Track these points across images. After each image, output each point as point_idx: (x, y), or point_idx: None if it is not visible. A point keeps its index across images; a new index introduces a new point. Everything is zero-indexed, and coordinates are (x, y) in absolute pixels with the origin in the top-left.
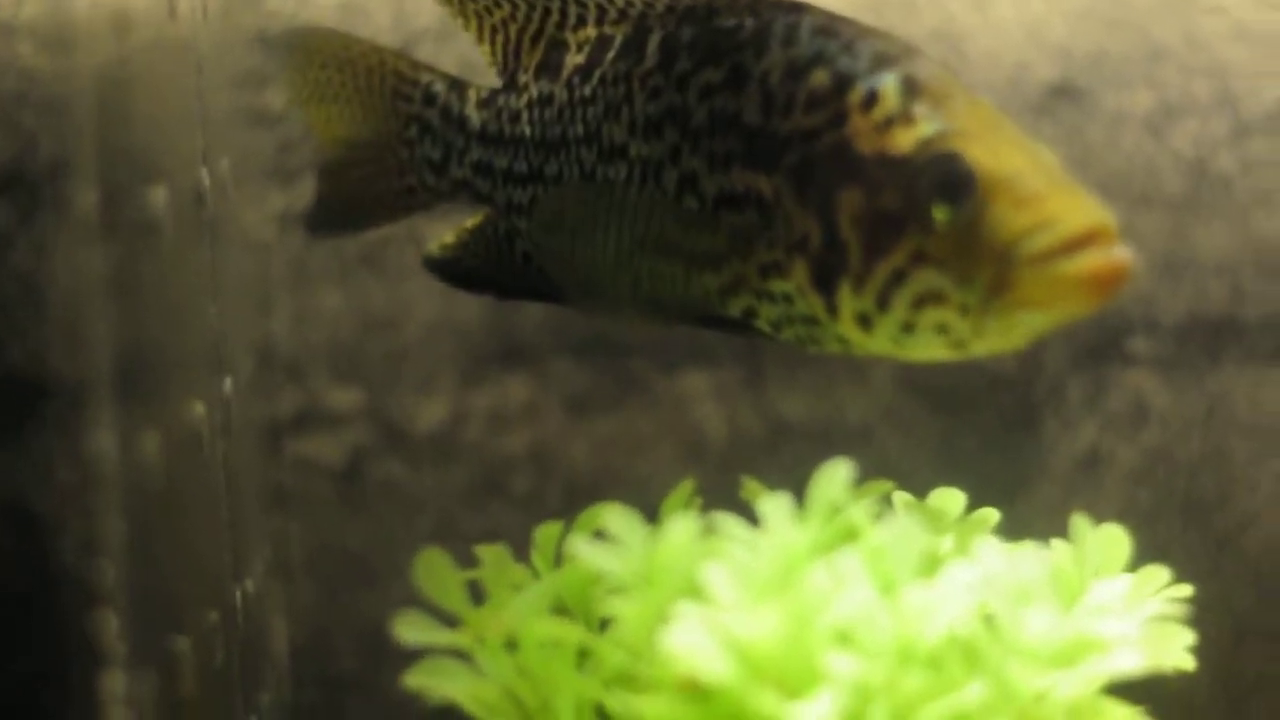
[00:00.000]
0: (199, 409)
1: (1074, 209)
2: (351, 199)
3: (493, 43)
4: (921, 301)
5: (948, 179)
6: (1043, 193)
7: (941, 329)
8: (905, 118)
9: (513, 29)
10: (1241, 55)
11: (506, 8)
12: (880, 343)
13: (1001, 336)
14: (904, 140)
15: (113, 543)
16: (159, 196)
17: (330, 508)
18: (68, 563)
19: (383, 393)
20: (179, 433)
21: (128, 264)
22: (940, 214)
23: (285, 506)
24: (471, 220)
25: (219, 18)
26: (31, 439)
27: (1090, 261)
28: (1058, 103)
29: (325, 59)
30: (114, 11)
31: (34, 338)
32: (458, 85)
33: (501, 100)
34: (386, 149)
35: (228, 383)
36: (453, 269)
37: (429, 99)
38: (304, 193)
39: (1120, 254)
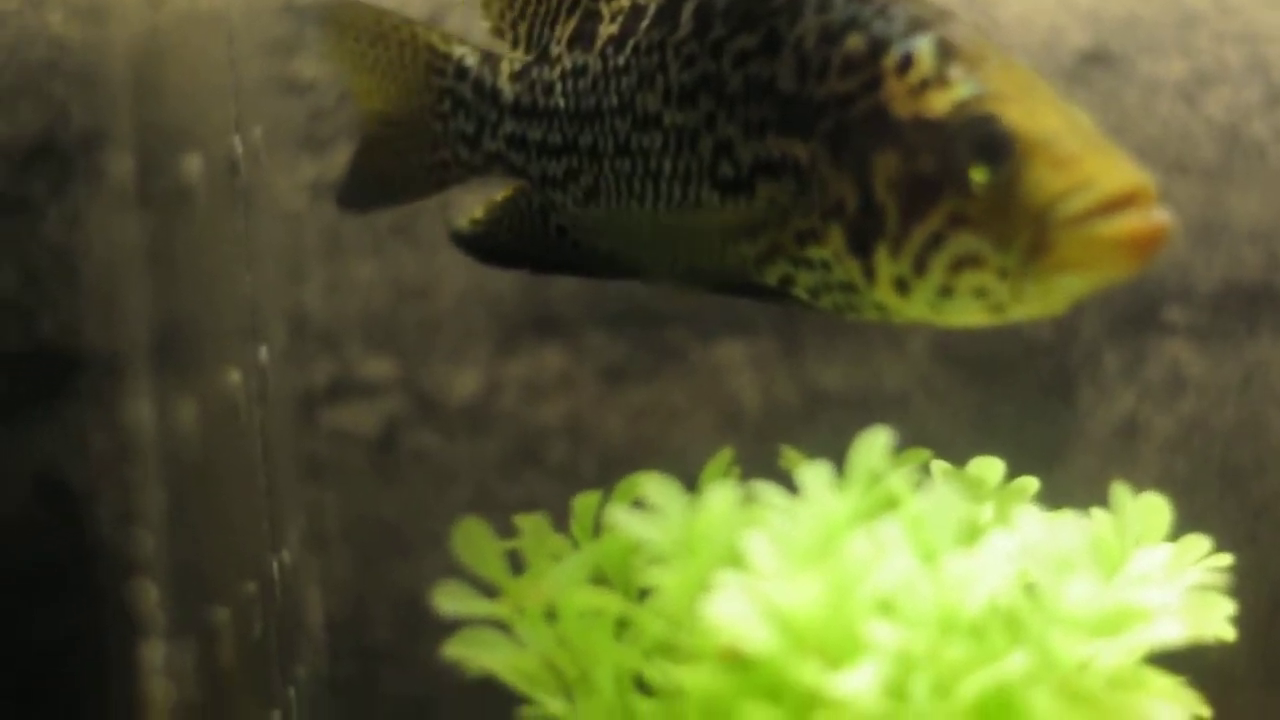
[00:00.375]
0: (235, 377)
1: (1112, 170)
2: (384, 174)
3: (523, 14)
4: (959, 265)
5: (984, 141)
6: (1080, 154)
7: (980, 293)
8: (940, 80)
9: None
10: (1275, 20)
11: None
12: (918, 308)
13: (1040, 300)
14: (940, 103)
15: (150, 513)
16: (192, 165)
17: (365, 478)
18: (104, 533)
19: (417, 363)
20: (215, 402)
21: (161, 233)
22: (977, 176)
23: (320, 477)
24: (501, 194)
25: None
26: (66, 410)
27: (1129, 223)
28: (1091, 69)
29: (357, 33)
30: None
31: (67, 308)
32: (490, 58)
33: (535, 72)
34: (419, 123)
35: (263, 351)
36: (484, 244)
37: (461, 72)
38: (336, 161)
39: (1159, 215)
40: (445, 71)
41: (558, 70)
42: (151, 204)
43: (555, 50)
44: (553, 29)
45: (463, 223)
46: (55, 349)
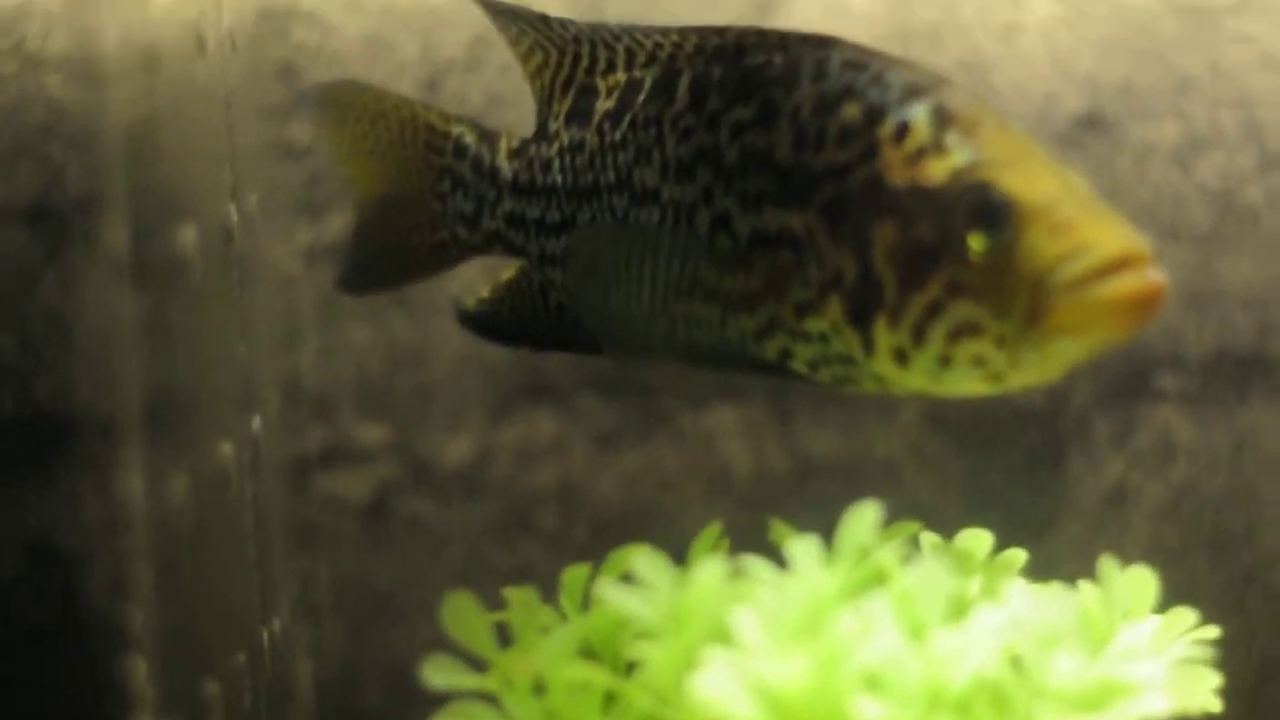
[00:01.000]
0: (227, 448)
1: (1108, 235)
2: (385, 255)
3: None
4: (958, 333)
5: (982, 208)
6: (1077, 219)
7: (978, 361)
8: (937, 148)
9: (545, 77)
10: (1269, 85)
11: (539, 55)
12: (917, 378)
13: (1038, 367)
14: (937, 171)
15: (140, 584)
16: (187, 233)
17: (357, 545)
18: (96, 604)
19: (410, 429)
20: (207, 472)
21: (156, 301)
22: (975, 244)
23: (312, 544)
24: (506, 273)
25: (246, 51)
26: (59, 477)
27: (1126, 285)
28: (1085, 134)
29: (356, 113)
30: (142, 46)
31: (61, 375)
32: (489, 136)
33: (533, 149)
34: (419, 203)
35: (256, 420)
36: (488, 323)
37: (460, 151)
38: (332, 226)
39: (1155, 277)
40: (444, 150)
41: (555, 147)
42: (146, 270)
43: (553, 127)
44: (550, 106)
45: (469, 302)
46: (50, 414)
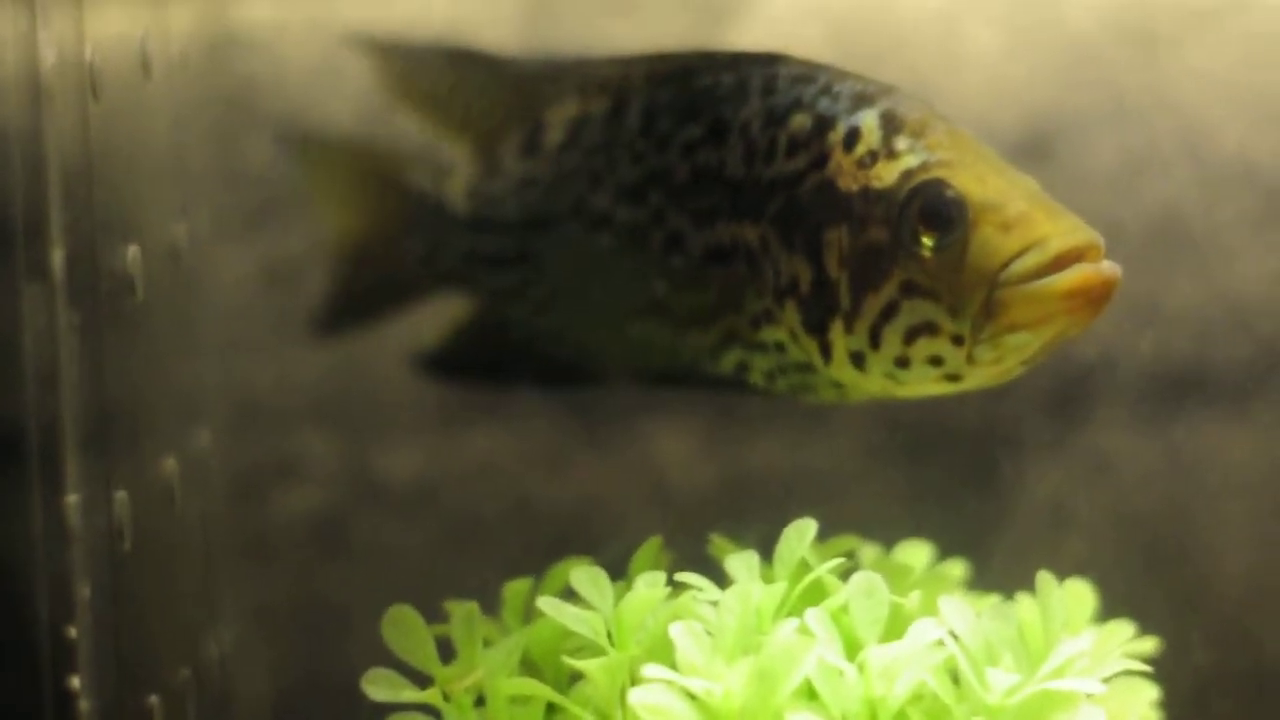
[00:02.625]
0: (171, 464)
1: (1059, 229)
2: (353, 299)
3: (476, 131)
4: (914, 334)
5: (933, 207)
6: (1028, 215)
7: (936, 360)
8: (887, 151)
9: (495, 115)
10: (1207, 110)
11: (488, 95)
12: (875, 381)
13: (996, 364)
14: (887, 173)
15: (82, 600)
16: (132, 253)
17: (307, 559)
18: (37, 619)
19: (360, 443)
20: (151, 488)
21: (99, 320)
22: (928, 242)
23: (261, 559)
24: (460, 313)
25: (196, 75)
26: (2, 496)
27: (1079, 277)
28: (1025, 160)
29: (328, 167)
30: (85, 68)
31: (4, 393)
32: (441, 175)
33: (486, 186)
34: (374, 247)
35: (204, 436)
36: (446, 364)
37: (413, 194)
38: (282, 244)
39: (1108, 268)
40: (397, 195)
41: (508, 182)
42: (88, 290)
43: (505, 162)
44: (502, 140)
45: (425, 344)
46: None
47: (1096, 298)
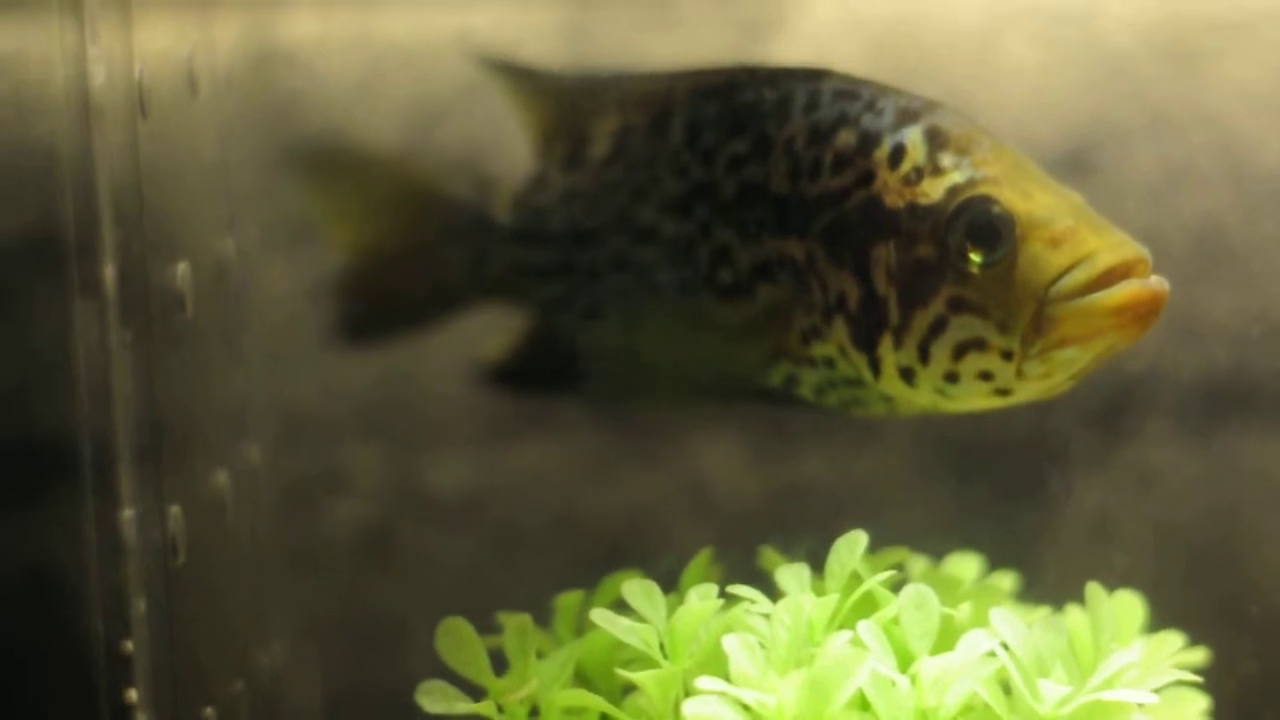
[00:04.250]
0: (222, 478)
1: (1107, 244)
2: (387, 309)
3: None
4: (963, 349)
5: (980, 223)
6: (1075, 231)
7: (985, 375)
8: (933, 168)
9: (540, 126)
10: (1245, 123)
11: (533, 107)
12: (925, 396)
13: (1045, 379)
14: (933, 190)
15: (137, 613)
16: (181, 269)
17: (357, 570)
18: (92, 633)
19: (409, 455)
20: (203, 501)
21: (151, 335)
22: (975, 259)
23: (312, 570)
24: (518, 325)
25: (241, 92)
26: (57, 508)
27: (1128, 292)
28: (1066, 173)
29: (348, 177)
30: (134, 86)
31: (59, 407)
32: (485, 187)
33: (531, 197)
34: (419, 258)
35: (254, 450)
36: (504, 374)
37: (457, 206)
38: (328, 258)
39: (1156, 283)
40: (441, 206)
41: (554, 194)
42: (140, 306)
43: (550, 174)
44: (546, 154)
45: (487, 356)
46: (49, 449)
47: (1145, 313)
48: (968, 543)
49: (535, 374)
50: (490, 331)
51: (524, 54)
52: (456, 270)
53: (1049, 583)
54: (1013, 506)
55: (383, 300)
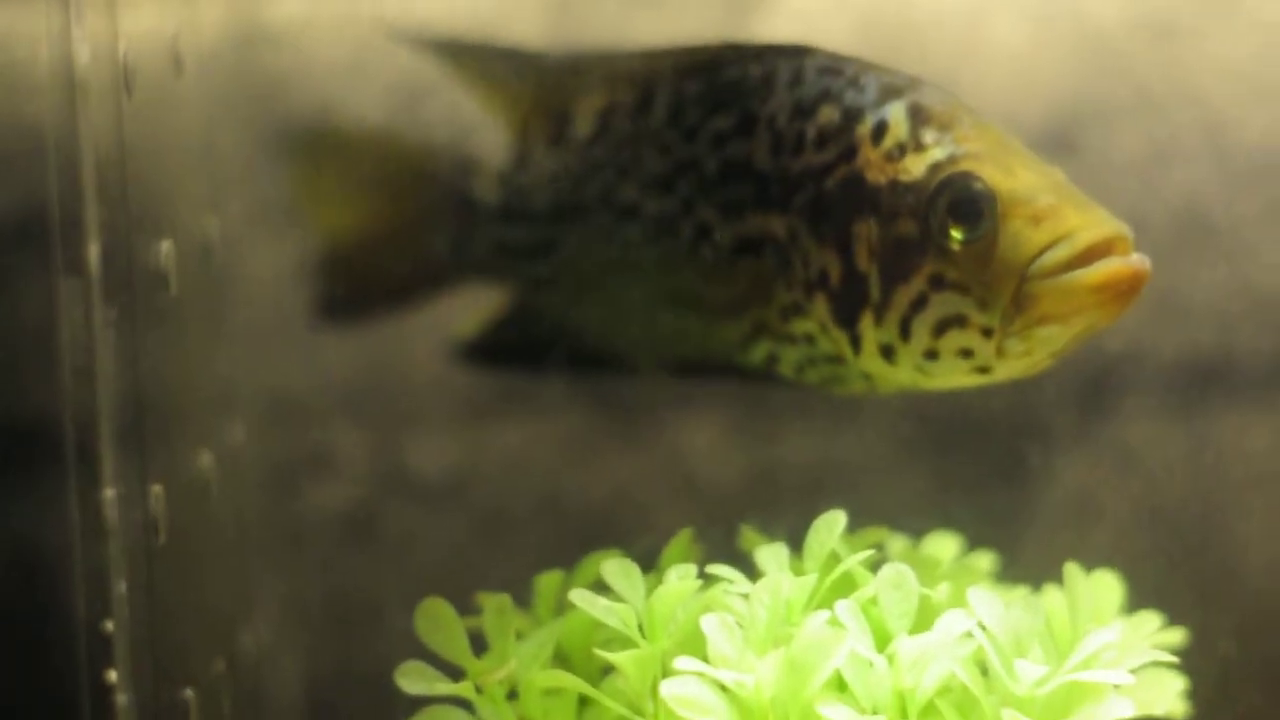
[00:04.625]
0: (207, 458)
1: (1089, 222)
2: (370, 289)
3: (506, 120)
4: (943, 326)
5: (962, 200)
6: (1057, 208)
7: (965, 353)
8: (915, 144)
9: (524, 105)
10: (1230, 101)
11: (514, 86)
12: (905, 373)
13: (1026, 356)
14: (915, 166)
15: (118, 593)
16: (165, 248)
17: (340, 551)
18: (73, 612)
19: (392, 437)
20: (187, 482)
21: (134, 314)
22: (957, 235)
23: (295, 551)
24: (494, 303)
25: (227, 71)
26: (38, 487)
27: (1109, 270)
28: (1050, 151)
29: (333, 155)
30: (119, 65)
31: (41, 387)
32: (469, 167)
33: (514, 176)
34: (402, 239)
35: (238, 430)
36: (483, 353)
37: (441, 185)
38: (315, 239)
39: (1137, 261)
40: (426, 186)
41: (537, 173)
42: (123, 285)
43: (534, 153)
44: (529, 133)
45: (461, 334)
46: (29, 425)
47: (1126, 291)
48: (948, 522)
49: (508, 350)
50: (472, 310)
51: (509, 32)
52: (440, 250)
53: (1029, 562)
54: (993, 486)
55: (366, 280)
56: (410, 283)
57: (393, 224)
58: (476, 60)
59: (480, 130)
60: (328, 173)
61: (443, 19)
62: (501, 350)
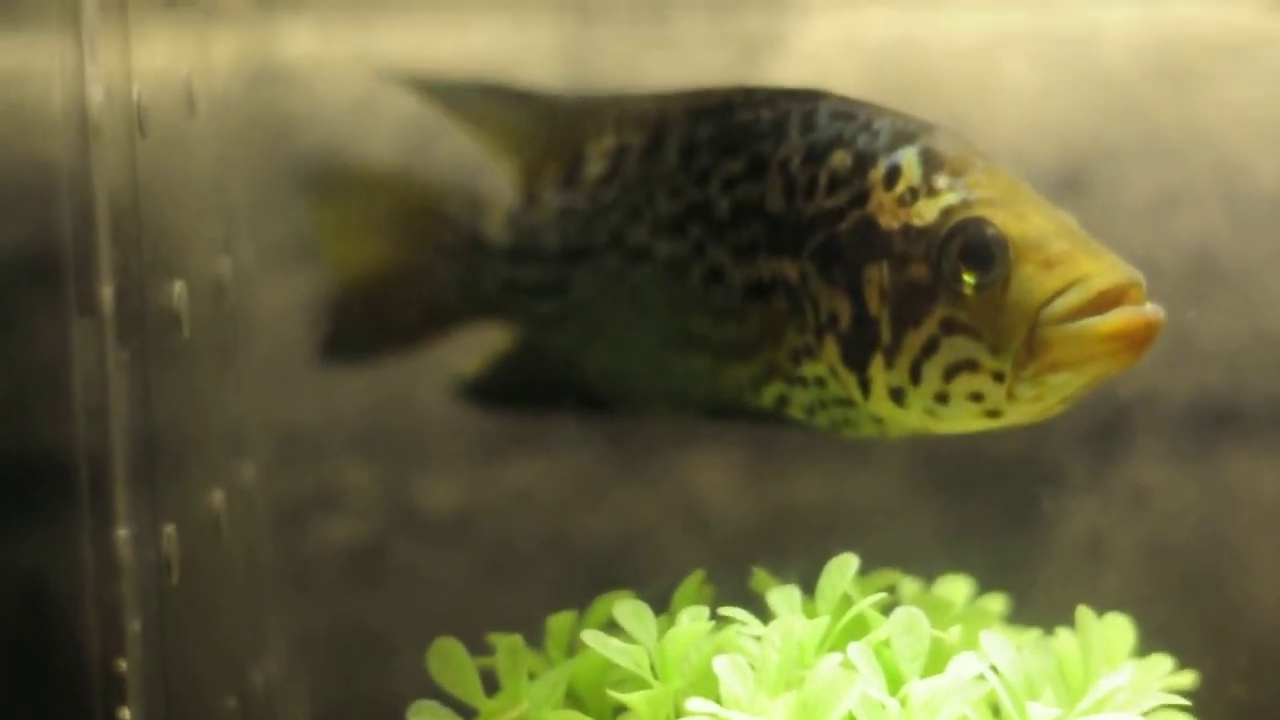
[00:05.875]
0: (218, 496)
1: (1101, 268)
2: (381, 327)
3: (513, 162)
4: (954, 371)
5: (974, 245)
6: (1070, 254)
7: (976, 397)
8: (928, 189)
9: (533, 147)
10: (1240, 145)
11: (527, 128)
12: (915, 417)
13: (1036, 402)
14: (927, 211)
15: (130, 630)
16: (178, 288)
17: (350, 588)
18: (86, 650)
19: (401, 474)
20: (198, 520)
21: (147, 353)
22: (969, 280)
23: (305, 588)
24: (498, 342)
25: (239, 111)
26: (51, 526)
27: (1122, 318)
28: (1060, 193)
29: (344, 194)
30: (133, 105)
31: (55, 426)
32: (479, 207)
33: (525, 216)
34: (411, 279)
35: (248, 469)
36: (485, 392)
37: (451, 225)
38: (326, 278)
39: (1151, 310)
40: (435, 225)
41: (547, 212)
42: (136, 324)
43: (544, 194)
44: (539, 174)
45: (464, 375)
46: (42, 464)
47: (1140, 340)
48: (960, 565)
49: (512, 390)
50: (479, 349)
51: (523, 74)
52: (450, 289)
53: (1041, 605)
54: (1005, 528)
55: (376, 319)
56: (420, 322)
57: (402, 263)
58: (479, 103)
59: (491, 170)
60: (337, 212)
61: (458, 59)
62: (505, 391)
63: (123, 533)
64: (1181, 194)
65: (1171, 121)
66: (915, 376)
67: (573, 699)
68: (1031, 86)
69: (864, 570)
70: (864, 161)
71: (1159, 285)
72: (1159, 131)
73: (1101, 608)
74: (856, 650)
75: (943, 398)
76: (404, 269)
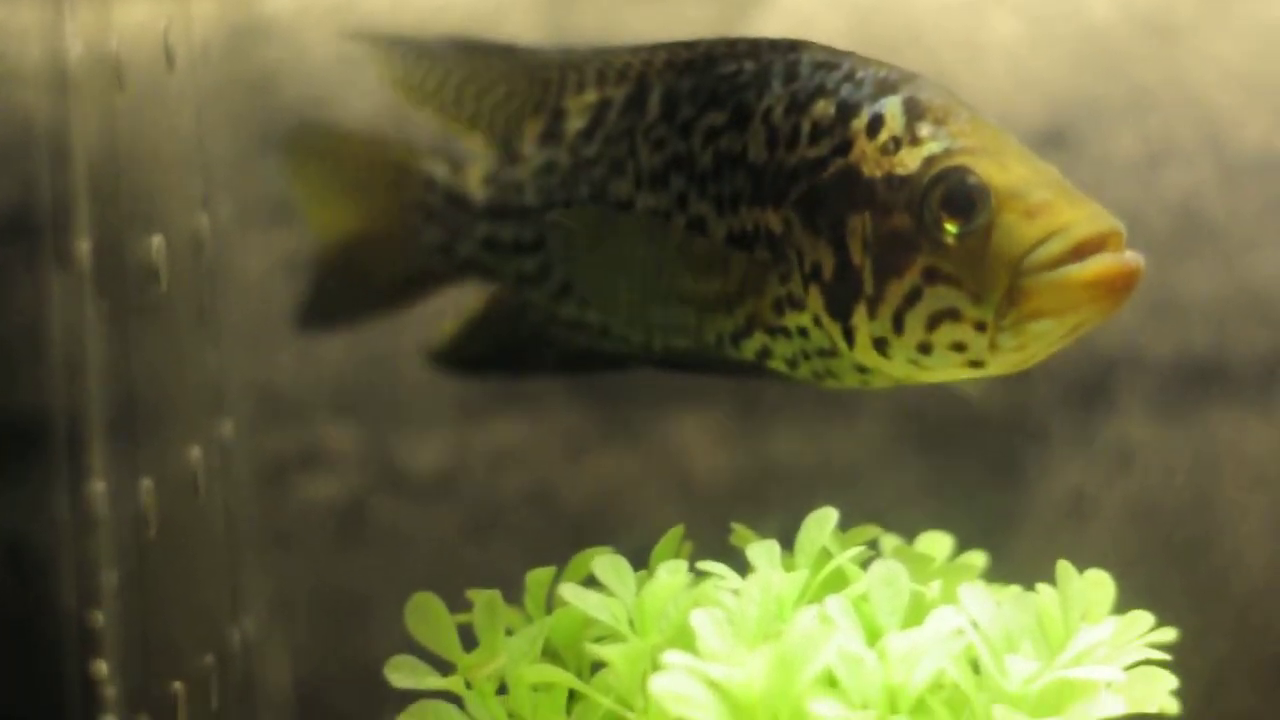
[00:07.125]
0: (195, 453)
1: (1083, 217)
2: (361, 287)
3: (492, 121)
4: (937, 320)
5: (956, 194)
6: (1051, 203)
7: (958, 346)
8: (911, 138)
9: (513, 104)
10: (1227, 100)
11: (504, 85)
12: (898, 366)
13: (1018, 351)
14: (910, 160)
15: (107, 586)
16: (156, 243)
17: (330, 547)
18: (62, 605)
19: (382, 433)
20: (175, 477)
21: (124, 309)
22: (951, 229)
23: (285, 546)
24: (473, 306)
25: (219, 65)
26: (27, 481)
27: (1103, 265)
28: (1046, 148)
29: (322, 157)
30: (111, 59)
31: (31, 381)
32: (458, 164)
33: (505, 173)
34: (388, 240)
35: (228, 425)
36: (460, 357)
37: (429, 184)
38: (305, 235)
39: (1131, 257)
40: (413, 185)
41: (528, 169)
42: (113, 279)
43: (525, 149)
44: (519, 130)
45: (438, 339)
46: (22, 422)
47: (1120, 288)
48: (942, 520)
49: (486, 354)
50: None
51: (503, 28)
52: (430, 247)
53: (1023, 561)
54: (987, 484)
55: (357, 278)
56: (400, 281)
57: (382, 221)
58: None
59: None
60: (315, 171)
61: (437, 14)
62: (474, 355)
63: (99, 486)
64: (1168, 149)
65: (1158, 77)
66: (898, 326)
67: (550, 654)
68: (1017, 42)
69: (844, 526)
70: (847, 111)
71: (1144, 241)
72: (1145, 87)
73: (1085, 565)
74: (834, 603)
75: (925, 347)
76: (384, 227)
